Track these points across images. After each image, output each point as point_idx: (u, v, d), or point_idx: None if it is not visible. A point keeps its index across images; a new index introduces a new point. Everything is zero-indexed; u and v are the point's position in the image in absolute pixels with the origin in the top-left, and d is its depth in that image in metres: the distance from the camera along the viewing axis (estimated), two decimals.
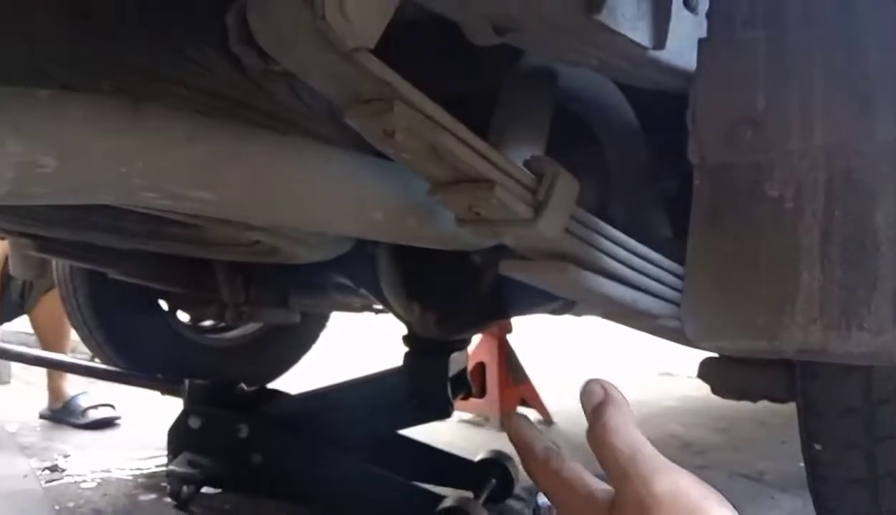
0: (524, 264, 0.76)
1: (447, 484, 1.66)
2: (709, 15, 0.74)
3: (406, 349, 1.68)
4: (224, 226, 1.23)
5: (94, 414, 2.68)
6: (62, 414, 2.73)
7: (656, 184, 1.07)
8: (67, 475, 2.05)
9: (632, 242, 0.80)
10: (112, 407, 2.71)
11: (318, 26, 0.51)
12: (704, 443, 2.66)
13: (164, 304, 2.29)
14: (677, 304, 0.88)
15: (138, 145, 0.57)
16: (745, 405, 3.47)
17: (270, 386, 2.04)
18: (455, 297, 1.58)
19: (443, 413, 1.69)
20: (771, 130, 0.69)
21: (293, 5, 0.52)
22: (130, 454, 2.24)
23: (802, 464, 2.33)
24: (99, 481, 1.98)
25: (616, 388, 0.51)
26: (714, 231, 0.70)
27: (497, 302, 1.54)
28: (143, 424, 2.62)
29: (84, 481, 1.98)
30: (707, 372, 1.21)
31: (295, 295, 2.08)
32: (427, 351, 1.66)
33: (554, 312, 1.84)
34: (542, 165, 0.67)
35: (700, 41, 0.74)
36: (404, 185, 0.73)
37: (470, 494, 1.59)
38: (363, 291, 1.78)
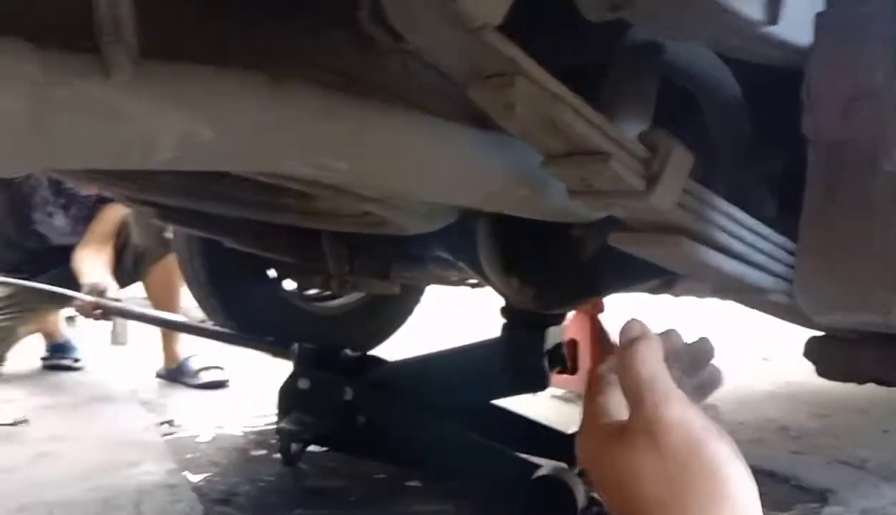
0: (635, 236, 0.78)
1: (542, 455, 1.69)
2: None
3: (503, 321, 1.72)
4: (338, 197, 1.29)
5: (206, 376, 2.85)
6: (176, 374, 2.91)
7: (761, 161, 1.07)
8: (183, 430, 2.20)
9: (742, 215, 0.81)
10: (221, 368, 2.87)
11: (448, 5, 0.55)
12: (802, 428, 2.59)
13: (273, 273, 2.40)
14: (786, 279, 0.89)
15: (281, 118, 0.63)
16: (847, 392, 3.38)
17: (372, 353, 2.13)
18: (553, 272, 1.60)
19: (538, 385, 1.73)
20: (889, 105, 0.69)
21: None
22: (240, 413, 2.38)
23: None
24: (213, 436, 2.12)
25: (652, 331, 0.55)
26: (829, 205, 0.71)
27: (595, 277, 1.56)
28: (250, 386, 2.77)
29: (199, 436, 2.12)
30: (813, 351, 1.20)
31: (396, 267, 2.15)
32: (524, 323, 1.70)
33: (651, 291, 1.84)
34: (656, 138, 0.69)
35: (817, 15, 0.74)
36: (519, 158, 0.77)
37: (564, 465, 1.62)
38: (461, 264, 1.83)
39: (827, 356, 1.21)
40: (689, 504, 0.46)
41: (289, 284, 2.48)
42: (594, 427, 0.53)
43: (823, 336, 1.22)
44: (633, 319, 0.55)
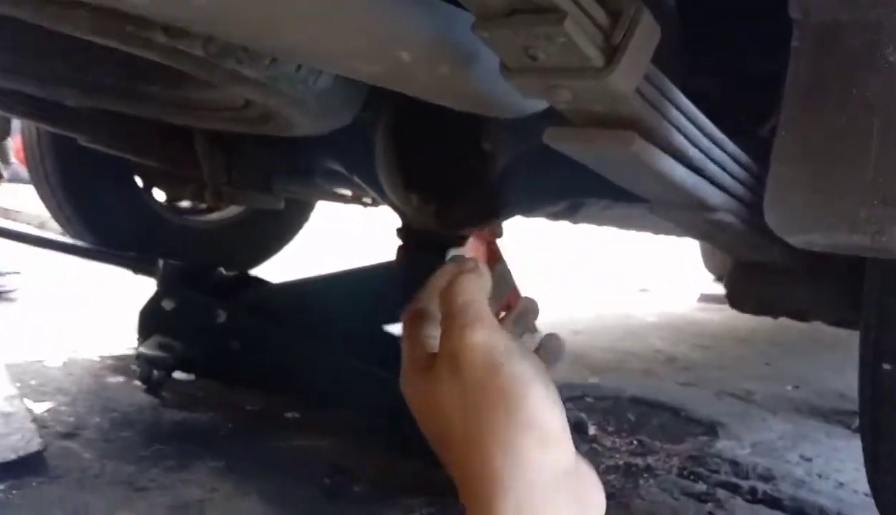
0: (578, 132, 0.63)
1: None
2: None
3: (399, 242, 1.57)
4: (209, 86, 1.08)
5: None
6: None
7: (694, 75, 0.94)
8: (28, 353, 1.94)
9: (701, 117, 0.68)
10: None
11: None
12: (689, 359, 2.61)
13: (139, 181, 2.14)
14: (735, 196, 0.77)
15: None
16: (727, 324, 3.45)
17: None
18: (458, 188, 1.46)
19: None
20: None
21: None
22: (98, 336, 2.14)
23: (790, 388, 2.30)
24: (64, 361, 1.88)
25: (482, 267, 0.54)
26: (815, 103, 0.58)
27: (502, 196, 1.43)
28: (111, 305, 2.51)
29: (47, 360, 1.88)
30: (733, 281, 1.11)
31: (281, 179, 1.94)
32: (423, 245, 1.55)
33: (554, 216, 1.73)
34: (621, 1, 0.54)
35: None
36: (441, 21, 0.60)
37: None
38: (356, 178, 1.65)
39: (748, 287, 1.13)
40: (486, 432, 0.46)
41: (159, 195, 2.23)
42: (410, 361, 0.53)
43: (747, 265, 1.13)
44: (462, 255, 0.60)
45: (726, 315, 3.83)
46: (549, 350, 0.58)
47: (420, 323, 0.55)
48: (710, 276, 4.95)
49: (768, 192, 0.60)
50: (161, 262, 1.71)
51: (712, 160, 0.71)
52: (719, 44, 1.17)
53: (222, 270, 1.73)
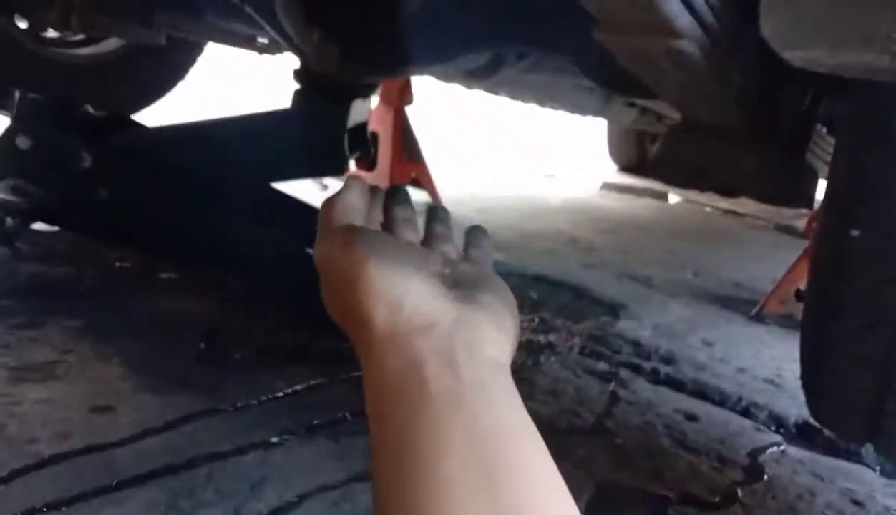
0: None
1: None
2: None
3: (297, 86, 1.39)
4: None
5: None
6: None
7: None
8: None
9: None
10: None
11: None
12: (591, 242, 2.58)
13: None
14: (703, 24, 0.65)
15: None
16: (629, 211, 3.44)
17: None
18: (367, 27, 1.28)
19: (334, 168, 1.44)
20: None
21: None
22: None
23: (689, 275, 2.30)
24: None
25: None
26: None
27: (417, 40, 1.26)
28: None
29: None
30: (671, 146, 1.01)
31: (163, 11, 1.69)
32: (324, 91, 1.37)
33: (473, 77, 1.58)
34: None
35: None
36: None
37: None
38: (249, 10, 1.43)
39: (681, 155, 1.04)
40: (346, 315, 0.46)
41: (21, 22, 1.93)
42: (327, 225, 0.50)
43: (682, 131, 1.03)
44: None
45: (627, 203, 3.85)
46: (469, 234, 0.56)
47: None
48: (615, 166, 4.96)
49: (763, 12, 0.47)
50: (17, 94, 1.46)
51: None
52: None
53: (90, 108, 1.50)
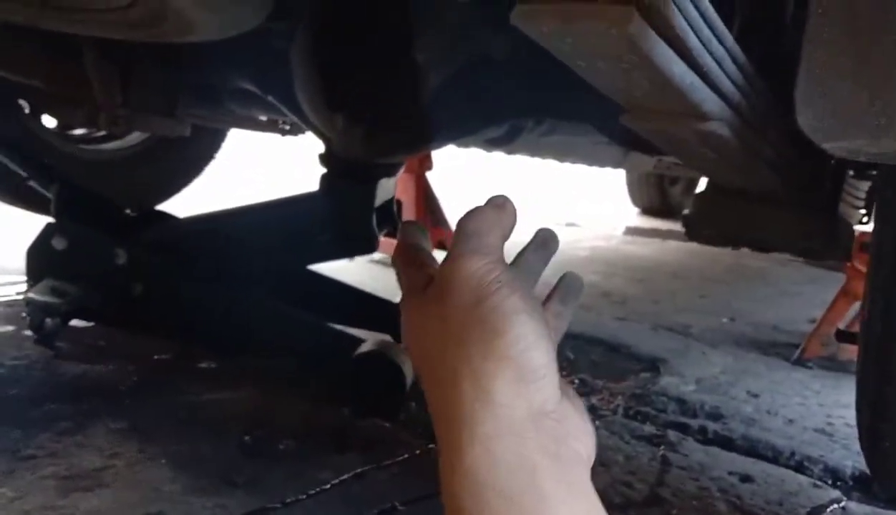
0: (558, 7, 0.49)
1: (364, 327, 1.44)
2: None
3: (324, 171, 1.41)
4: None
5: None
6: None
7: None
8: None
9: (705, 2, 0.55)
10: None
11: None
12: (623, 293, 2.55)
13: (25, 106, 1.89)
14: (733, 105, 0.65)
15: None
16: (657, 258, 3.43)
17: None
18: (388, 108, 1.30)
19: (366, 248, 1.45)
20: None
21: None
22: None
23: (725, 320, 2.27)
24: None
25: (512, 207, 0.52)
26: None
27: (438, 117, 1.28)
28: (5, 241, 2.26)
29: None
30: (703, 207, 1.01)
31: (185, 101, 1.73)
32: (350, 173, 1.39)
33: (492, 144, 1.60)
34: None
35: None
36: None
37: (389, 338, 1.38)
38: (271, 99, 1.47)
39: (713, 216, 1.03)
40: (460, 363, 0.43)
41: (49, 121, 1.99)
42: (408, 284, 0.51)
43: (714, 192, 1.03)
44: (502, 194, 0.52)
45: (654, 248, 3.82)
46: (565, 288, 0.57)
47: (414, 250, 0.54)
48: (636, 209, 4.95)
49: (801, 84, 0.47)
50: (53, 192, 1.49)
51: (712, 55, 0.58)
52: None
53: (120, 205, 1.53)
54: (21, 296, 1.68)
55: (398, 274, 0.53)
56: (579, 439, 0.44)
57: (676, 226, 4.39)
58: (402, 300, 0.51)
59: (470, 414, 0.42)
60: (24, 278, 1.45)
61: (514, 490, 0.40)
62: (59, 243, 1.41)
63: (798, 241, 1.03)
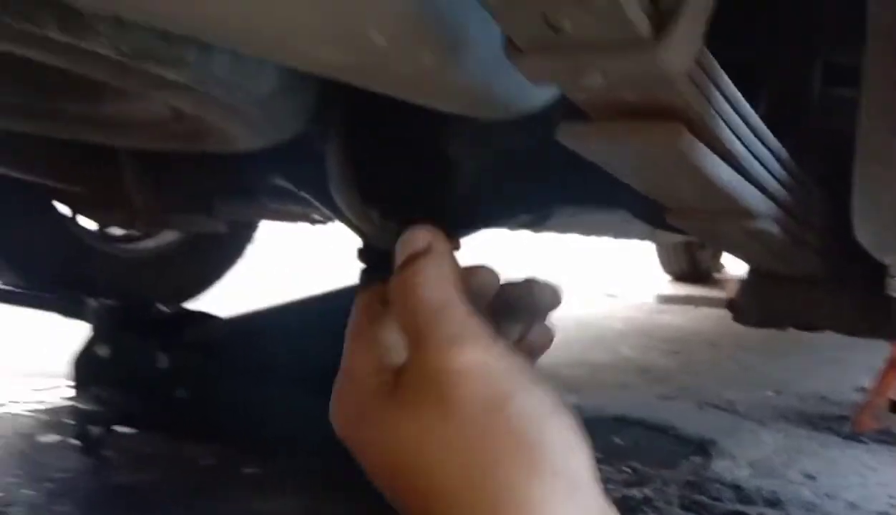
0: (605, 127, 0.49)
1: None
2: None
3: (362, 265, 1.41)
4: (130, 98, 0.93)
5: None
6: None
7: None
8: None
9: (744, 104, 0.55)
10: None
11: None
12: (662, 368, 2.51)
13: (63, 207, 1.94)
14: (779, 202, 0.64)
15: None
16: (692, 327, 3.38)
17: (191, 306, 1.75)
18: (422, 202, 1.31)
19: None
20: None
21: None
22: (32, 383, 1.92)
23: (771, 393, 2.21)
24: None
25: (445, 241, 0.41)
26: None
27: (472, 207, 1.29)
28: (41, 346, 2.29)
29: None
30: (749, 292, 0.99)
31: (220, 200, 1.78)
32: (388, 267, 1.40)
33: (521, 226, 1.61)
34: None
35: None
36: None
37: None
38: (306, 195, 1.49)
39: (759, 299, 1.02)
40: (498, 488, 0.34)
41: (86, 222, 2.03)
42: (355, 381, 0.40)
43: (759, 276, 1.02)
44: (416, 228, 0.42)
45: (689, 317, 3.77)
46: (534, 342, 0.46)
47: (366, 329, 0.42)
48: (666, 276, 4.91)
49: (857, 199, 0.47)
50: (92, 303, 1.52)
51: (756, 157, 0.58)
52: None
53: (161, 307, 1.54)
54: (64, 401, 1.70)
55: (348, 344, 0.42)
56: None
57: (708, 292, 4.35)
58: (344, 402, 0.41)
59: None
60: (68, 382, 1.46)
61: None
62: (102, 350, 1.42)
63: (847, 322, 1.00)
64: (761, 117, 0.88)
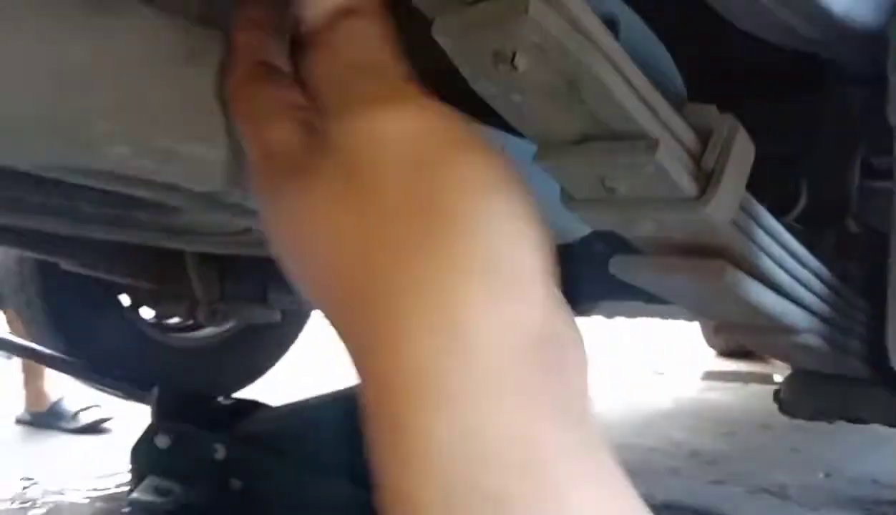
0: (655, 262, 0.54)
1: None
2: None
3: None
4: (210, 209, 0.99)
5: (85, 417, 2.43)
6: (48, 418, 2.47)
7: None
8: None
9: (787, 235, 0.59)
10: (100, 407, 2.46)
11: None
12: (713, 452, 2.48)
13: (125, 298, 2.03)
14: (821, 317, 0.68)
15: (100, 59, 0.33)
16: (745, 407, 3.32)
17: (247, 394, 1.81)
18: None
19: None
20: None
21: None
22: (92, 471, 1.98)
23: (822, 476, 2.17)
24: (50, 506, 1.72)
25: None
26: None
27: None
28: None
29: (33, 506, 1.72)
30: (797, 388, 1.01)
31: (276, 290, 1.85)
32: None
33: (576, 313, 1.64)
34: (712, 119, 0.46)
35: None
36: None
37: None
38: None
39: (808, 395, 1.04)
40: (394, 269, 0.27)
41: (146, 312, 2.12)
42: (266, 155, 0.32)
43: (807, 373, 1.04)
44: None
45: (738, 395, 3.72)
46: None
47: (266, 85, 0.33)
48: (712, 350, 4.86)
49: (891, 330, 0.50)
50: (154, 391, 1.58)
51: (798, 280, 0.62)
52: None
53: (219, 398, 1.60)
54: (122, 490, 1.74)
55: (233, 110, 0.34)
56: (580, 364, 0.29)
57: (754, 368, 4.28)
58: (258, 173, 0.33)
59: (429, 365, 0.26)
60: (127, 471, 1.51)
61: (511, 482, 0.25)
62: (161, 442, 1.48)
63: (891, 414, 1.02)
64: (802, 211, 0.93)
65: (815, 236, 0.94)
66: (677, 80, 0.82)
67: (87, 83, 0.31)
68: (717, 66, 0.93)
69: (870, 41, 0.70)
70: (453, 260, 0.27)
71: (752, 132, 0.50)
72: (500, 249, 0.28)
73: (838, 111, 1.02)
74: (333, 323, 0.31)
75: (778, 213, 1.10)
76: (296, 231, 0.31)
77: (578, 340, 0.30)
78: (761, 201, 0.87)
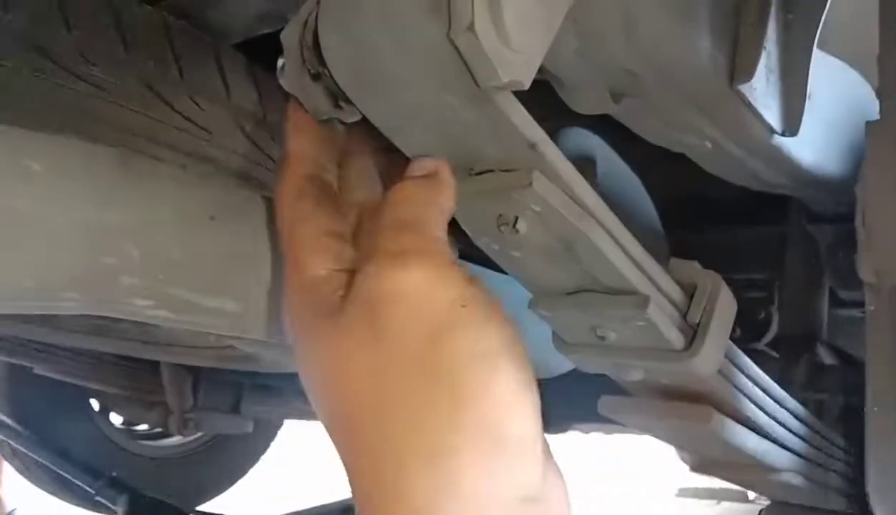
0: (642, 404, 0.56)
1: None
2: (880, 92, 0.58)
3: None
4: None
5: None
6: None
7: None
8: None
9: (766, 379, 0.61)
10: None
11: (452, 43, 0.32)
12: None
13: (94, 403, 1.99)
14: (801, 456, 0.69)
15: (132, 220, 0.35)
16: None
17: (215, 506, 1.76)
18: None
19: None
20: None
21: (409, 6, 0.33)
22: None
23: None
24: None
25: (451, 176, 0.36)
26: None
27: None
28: None
29: None
30: None
31: (248, 400, 1.83)
32: None
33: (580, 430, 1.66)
34: (696, 276, 0.48)
35: (869, 125, 0.57)
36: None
37: None
38: None
39: None
40: (410, 431, 0.30)
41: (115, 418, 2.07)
42: (302, 287, 0.35)
43: (779, 505, 1.04)
44: (431, 158, 0.36)
45: (715, 512, 3.67)
46: None
47: (312, 207, 0.35)
48: (685, 465, 4.80)
49: (871, 479, 0.52)
50: (124, 499, 1.53)
51: (778, 422, 0.64)
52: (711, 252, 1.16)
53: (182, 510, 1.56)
54: None
55: (278, 225, 0.36)
56: None
57: (729, 485, 4.22)
58: (292, 305, 0.35)
59: (426, 508, 0.30)
60: None
61: None
62: None
63: None
64: (774, 337, 0.95)
65: (790, 364, 0.97)
66: (657, 226, 0.86)
67: (119, 243, 0.33)
68: (686, 196, 0.98)
69: (835, 186, 0.75)
70: (456, 424, 0.30)
71: (719, 258, 0.54)
72: (498, 417, 0.31)
73: (803, 241, 1.07)
74: (341, 457, 0.34)
75: (751, 339, 1.14)
76: (320, 369, 0.34)
77: (563, 500, 0.34)
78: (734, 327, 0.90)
